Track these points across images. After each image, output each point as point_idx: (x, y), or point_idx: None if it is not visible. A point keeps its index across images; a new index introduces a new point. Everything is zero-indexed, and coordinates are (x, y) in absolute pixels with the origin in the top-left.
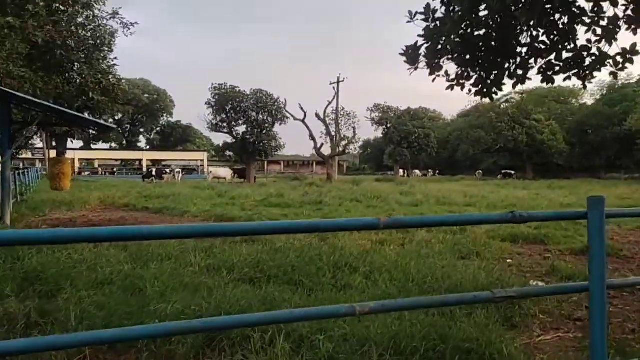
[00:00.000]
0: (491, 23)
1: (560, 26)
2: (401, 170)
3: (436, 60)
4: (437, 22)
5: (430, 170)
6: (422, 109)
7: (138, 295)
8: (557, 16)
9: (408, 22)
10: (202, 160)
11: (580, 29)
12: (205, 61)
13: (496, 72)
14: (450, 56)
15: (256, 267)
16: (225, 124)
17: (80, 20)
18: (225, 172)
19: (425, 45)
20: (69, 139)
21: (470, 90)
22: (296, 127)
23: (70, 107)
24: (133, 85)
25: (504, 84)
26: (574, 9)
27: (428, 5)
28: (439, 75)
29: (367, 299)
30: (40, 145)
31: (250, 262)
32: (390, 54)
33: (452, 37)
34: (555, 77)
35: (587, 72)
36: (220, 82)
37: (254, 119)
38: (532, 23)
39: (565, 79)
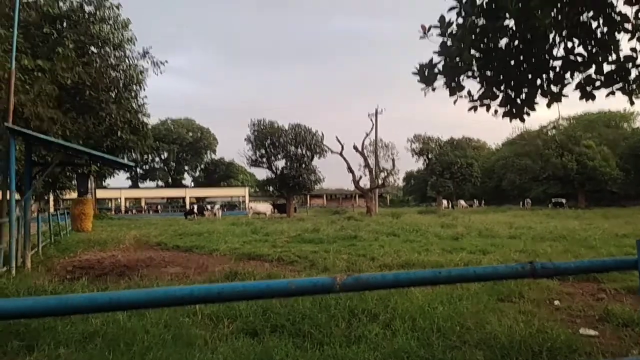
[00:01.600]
0: (517, 34)
1: (599, 35)
2: (445, 201)
3: (455, 79)
4: (454, 35)
5: (475, 201)
6: (465, 139)
7: (122, 351)
8: (594, 24)
9: (421, 37)
10: (244, 196)
11: (623, 37)
12: (246, 98)
13: (527, 89)
14: (470, 73)
15: (262, 315)
16: (264, 159)
17: (111, 60)
18: (264, 207)
19: (442, 62)
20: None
21: (496, 112)
22: (338, 160)
23: (99, 147)
24: (178, 124)
25: (537, 103)
26: (613, 15)
27: (442, 17)
28: (460, 96)
29: (379, 356)
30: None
31: (256, 309)
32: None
33: (472, 51)
34: (596, 92)
35: (634, 86)
36: (259, 118)
37: (292, 153)
38: (564, 33)
39: (607, 95)
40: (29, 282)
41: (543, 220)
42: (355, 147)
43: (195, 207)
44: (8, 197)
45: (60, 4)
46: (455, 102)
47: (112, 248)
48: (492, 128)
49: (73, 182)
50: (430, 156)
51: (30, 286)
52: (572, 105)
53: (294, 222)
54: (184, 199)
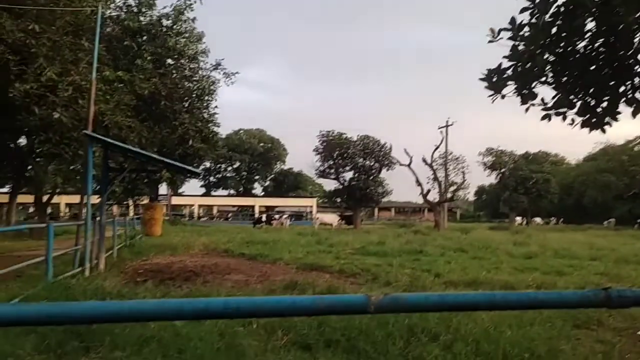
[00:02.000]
0: (598, 35)
1: None
2: (519, 218)
3: (527, 85)
4: (526, 38)
5: (552, 218)
6: (542, 153)
7: (174, 357)
8: None
9: (490, 41)
10: (311, 207)
11: None
12: (316, 110)
13: (608, 97)
14: (544, 79)
15: (317, 328)
16: (332, 170)
17: (185, 72)
18: (331, 218)
19: (512, 68)
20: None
21: (573, 121)
22: (406, 173)
23: (172, 154)
24: (249, 135)
25: (620, 113)
26: None
27: (513, 19)
28: (533, 104)
29: None
30: (164, 191)
31: (311, 322)
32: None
33: (546, 55)
34: None
35: None
36: (328, 129)
37: (360, 165)
38: None
39: None
40: (98, 283)
41: (628, 242)
42: (424, 160)
43: (264, 216)
44: (85, 200)
45: (141, 18)
46: (527, 110)
47: (182, 253)
48: (571, 142)
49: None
50: (503, 170)
51: (97, 287)
52: None
53: (360, 234)
54: (253, 207)
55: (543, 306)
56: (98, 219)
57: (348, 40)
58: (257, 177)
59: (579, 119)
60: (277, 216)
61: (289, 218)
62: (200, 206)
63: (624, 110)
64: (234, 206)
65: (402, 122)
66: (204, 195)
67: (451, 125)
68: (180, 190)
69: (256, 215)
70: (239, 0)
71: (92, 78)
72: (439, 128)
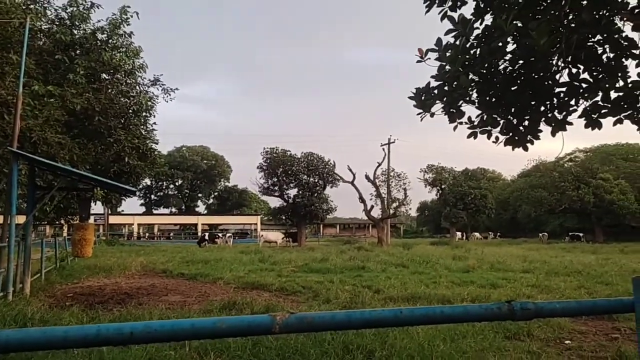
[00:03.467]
0: (517, 57)
1: (605, 61)
2: (459, 233)
3: (454, 105)
4: (451, 58)
5: (490, 233)
6: (479, 170)
7: None
8: (599, 49)
9: (418, 61)
10: (256, 224)
11: (631, 64)
12: (260, 127)
13: (529, 116)
14: (468, 98)
15: (252, 349)
16: (276, 187)
17: (121, 87)
18: (275, 236)
19: (439, 87)
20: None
21: (497, 139)
22: (350, 189)
23: (106, 172)
24: (192, 152)
25: (541, 131)
26: (620, 41)
27: (439, 40)
28: (461, 123)
29: None
30: (101, 210)
31: (245, 342)
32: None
33: (470, 75)
34: (602, 120)
35: None
36: (272, 146)
37: (304, 181)
38: (568, 58)
39: (615, 123)
40: (20, 308)
41: (559, 254)
42: (367, 177)
43: (207, 234)
44: (9, 221)
45: (74, 31)
46: (455, 128)
47: (117, 275)
48: (508, 159)
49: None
50: (443, 187)
51: (19, 313)
52: (587, 137)
53: (304, 252)
54: (196, 226)
55: (449, 320)
56: (22, 240)
57: (293, 57)
58: (200, 195)
59: (502, 137)
60: (220, 234)
61: (233, 236)
62: (140, 225)
63: (545, 129)
64: (176, 225)
65: (346, 140)
66: (144, 214)
67: (393, 142)
68: (119, 209)
69: (199, 234)
70: (180, 15)
71: (18, 92)
72: (382, 145)
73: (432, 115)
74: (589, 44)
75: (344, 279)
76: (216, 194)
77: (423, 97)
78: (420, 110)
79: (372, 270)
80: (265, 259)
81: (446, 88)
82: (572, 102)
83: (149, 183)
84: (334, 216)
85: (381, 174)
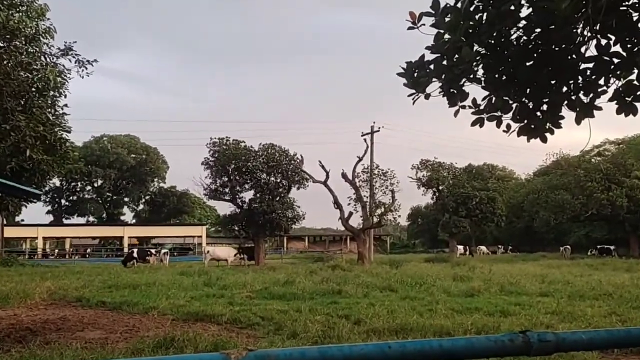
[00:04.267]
0: (533, 25)
1: None
2: (460, 247)
3: (455, 84)
4: (450, 25)
5: (500, 246)
6: (487, 166)
7: None
8: (634, 15)
9: (410, 28)
10: (200, 237)
11: None
12: (208, 112)
13: (548, 99)
14: (472, 75)
15: None
16: (227, 189)
17: (21, 57)
18: (225, 252)
19: (436, 61)
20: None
21: (509, 128)
22: (323, 192)
23: (1, 170)
24: (116, 143)
25: (563, 118)
26: None
27: (436, 1)
28: (463, 106)
29: None
30: None
31: None
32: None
33: (475, 47)
34: (638, 104)
35: None
36: (220, 137)
37: (264, 182)
38: (596, 27)
39: None
40: None
41: (584, 273)
42: (344, 175)
43: (136, 251)
44: None
45: None
46: (456, 114)
47: (15, 305)
48: (522, 153)
49: None
50: (441, 188)
51: None
52: (620, 125)
53: (263, 272)
54: (122, 239)
55: (448, 357)
56: None
57: (249, 22)
58: (126, 199)
59: (515, 125)
60: (154, 250)
61: (171, 252)
62: (46, 239)
63: (568, 115)
64: (94, 238)
65: (317, 128)
66: (52, 224)
67: (378, 131)
68: (18, 219)
69: (125, 250)
70: None
71: None
72: (363, 135)
73: (427, 96)
74: (621, 8)
75: (314, 306)
76: (148, 197)
77: (416, 74)
78: (413, 91)
79: (350, 296)
80: (212, 282)
81: (445, 62)
82: (601, 82)
83: (58, 184)
84: (301, 226)
85: (362, 171)
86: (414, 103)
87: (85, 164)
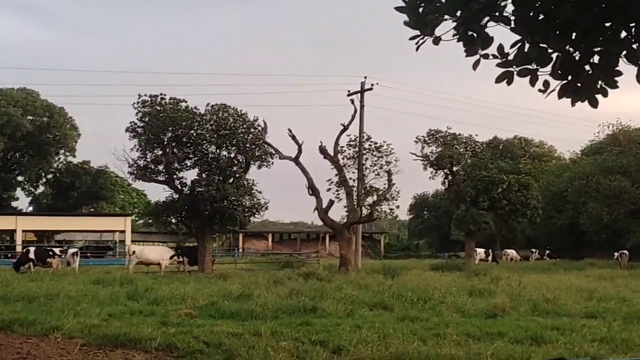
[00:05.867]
0: None
1: None
2: (480, 251)
3: (473, 23)
4: None
5: (534, 250)
6: (518, 140)
7: None
8: None
9: None
10: (123, 231)
11: None
12: (132, 58)
13: (601, 47)
14: (498, 13)
15: None
16: (161, 167)
17: None
18: (157, 254)
19: None
20: None
21: (547, 86)
22: (293, 172)
23: None
24: (8, 100)
25: (620, 74)
26: None
27: None
28: (486, 56)
29: None
30: None
31: None
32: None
33: None
34: None
35: None
36: (153, 94)
37: (212, 157)
38: None
39: None
40: None
41: None
42: (322, 150)
43: (33, 250)
44: None
45: None
46: (475, 65)
47: None
48: (565, 122)
49: None
50: (455, 169)
51: None
52: None
53: (209, 281)
54: (13, 234)
55: None
56: None
57: None
58: (20, 179)
59: (556, 83)
60: (58, 250)
61: (81, 253)
62: None
63: (628, 70)
64: None
65: (286, 84)
66: None
67: (370, 89)
68: None
69: (18, 249)
70: None
71: None
72: (350, 95)
73: (436, 41)
74: None
75: (279, 329)
76: (50, 177)
77: (421, 9)
78: (417, 32)
79: (329, 314)
80: (139, 294)
81: None
82: None
83: None
84: (264, 219)
85: (348, 145)
86: (417, 49)
87: None
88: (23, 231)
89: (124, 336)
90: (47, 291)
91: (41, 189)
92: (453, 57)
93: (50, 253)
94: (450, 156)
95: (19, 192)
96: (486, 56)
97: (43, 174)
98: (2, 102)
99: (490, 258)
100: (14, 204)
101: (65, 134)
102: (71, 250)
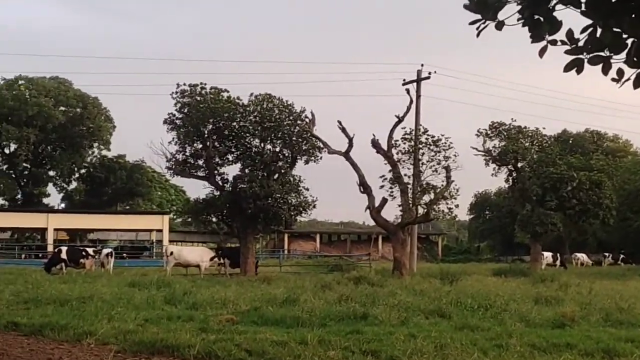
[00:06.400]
0: None
1: None
2: (548, 254)
3: (540, 6)
4: None
5: (607, 254)
6: (589, 134)
7: None
8: None
9: None
10: (161, 231)
11: None
12: (173, 46)
13: None
14: None
15: None
16: (201, 162)
17: None
18: (197, 255)
19: None
20: None
21: (621, 75)
22: (344, 167)
23: None
24: (38, 88)
25: None
26: None
27: None
28: (554, 42)
29: None
30: None
31: None
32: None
33: None
34: None
35: None
36: (193, 82)
37: (255, 151)
38: None
39: None
40: None
41: None
42: (375, 143)
43: (65, 250)
44: None
45: None
46: (542, 52)
47: None
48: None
49: None
50: (521, 165)
51: None
52: None
53: (252, 285)
54: (44, 232)
55: None
56: None
57: None
58: (52, 174)
59: (631, 71)
60: (91, 250)
61: (116, 253)
62: None
63: None
64: (4, 230)
65: (335, 72)
66: None
67: (426, 78)
68: None
69: (50, 248)
70: None
71: None
72: (405, 84)
73: (499, 25)
74: None
75: (327, 337)
76: (84, 172)
77: None
78: (478, 16)
79: (381, 322)
80: (177, 297)
81: None
82: None
83: None
84: (311, 219)
85: (403, 139)
86: (478, 35)
87: None
88: (55, 230)
89: (160, 343)
90: (80, 294)
91: (74, 184)
92: (518, 44)
93: (83, 253)
94: (514, 151)
95: (50, 188)
96: (554, 42)
97: (76, 168)
98: (33, 92)
99: (558, 263)
100: (45, 200)
101: (100, 125)
102: (105, 251)
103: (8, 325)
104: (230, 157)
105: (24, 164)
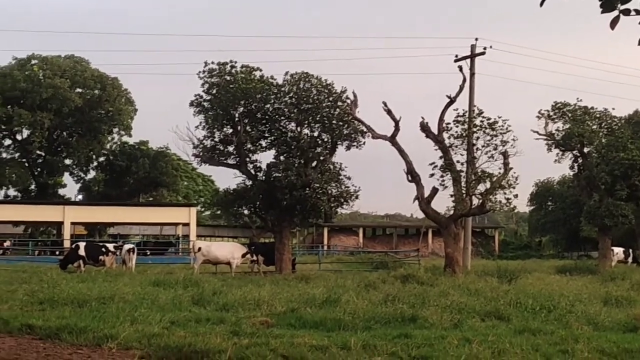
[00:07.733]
0: None
1: None
2: (619, 250)
3: None
4: None
5: None
6: None
7: None
8: None
9: None
10: (187, 225)
11: None
12: (199, 21)
13: None
14: None
15: None
16: (232, 148)
17: None
18: (228, 251)
19: None
20: None
21: None
22: (389, 152)
23: None
24: (54, 70)
25: None
26: None
27: None
28: (627, 11)
29: None
30: None
31: None
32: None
33: None
34: None
35: None
36: (222, 60)
37: (291, 136)
38: None
39: None
40: None
41: None
42: (424, 127)
43: (83, 246)
44: None
45: None
46: (614, 23)
47: None
48: None
49: None
50: (588, 150)
51: None
52: None
53: (288, 284)
54: (61, 226)
55: None
56: None
57: None
58: (69, 162)
59: None
60: (112, 246)
61: (139, 249)
62: None
63: None
64: (17, 224)
65: (379, 48)
66: None
67: (481, 54)
68: None
69: (66, 244)
70: None
71: None
72: (457, 60)
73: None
74: None
75: (372, 341)
76: (103, 159)
77: None
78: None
79: (432, 325)
80: (206, 298)
81: None
82: None
83: None
84: (353, 211)
85: (455, 121)
86: (542, 4)
87: (2, 103)
88: (72, 224)
89: (188, 347)
90: (100, 294)
91: (92, 174)
92: (586, 15)
93: (103, 249)
94: (580, 135)
95: (66, 178)
96: (627, 12)
97: (94, 156)
98: (47, 72)
99: (630, 259)
100: (61, 191)
101: (120, 109)
102: (127, 247)
103: (22, 327)
104: (263, 142)
105: (38, 152)
